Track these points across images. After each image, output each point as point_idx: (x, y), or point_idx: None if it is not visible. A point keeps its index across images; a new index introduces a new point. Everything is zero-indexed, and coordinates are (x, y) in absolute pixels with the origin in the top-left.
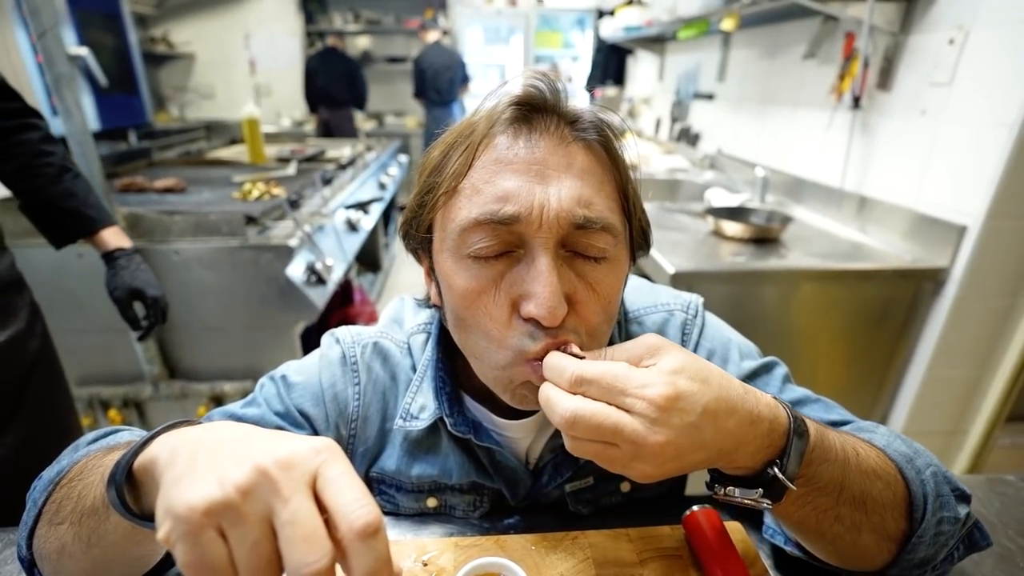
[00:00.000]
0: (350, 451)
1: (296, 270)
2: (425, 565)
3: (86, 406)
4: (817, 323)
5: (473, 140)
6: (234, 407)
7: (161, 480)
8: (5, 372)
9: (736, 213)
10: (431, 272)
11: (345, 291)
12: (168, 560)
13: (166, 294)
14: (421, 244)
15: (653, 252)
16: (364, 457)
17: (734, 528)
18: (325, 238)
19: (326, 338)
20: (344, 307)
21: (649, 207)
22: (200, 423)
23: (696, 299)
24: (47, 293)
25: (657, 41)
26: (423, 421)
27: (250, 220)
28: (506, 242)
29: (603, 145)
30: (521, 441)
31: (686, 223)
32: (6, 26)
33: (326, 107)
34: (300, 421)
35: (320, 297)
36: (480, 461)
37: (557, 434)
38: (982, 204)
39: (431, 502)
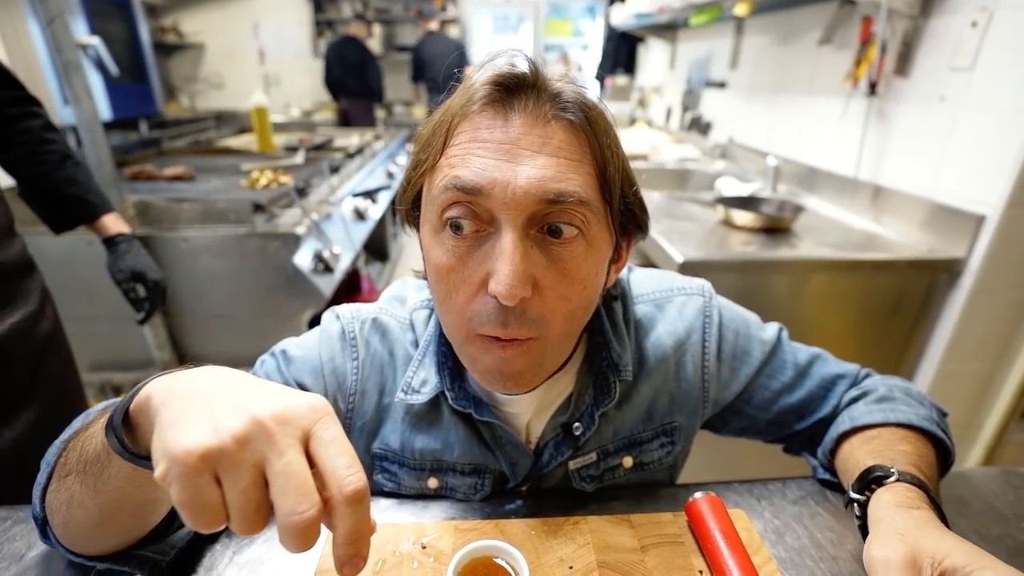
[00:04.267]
0: (348, 425)
1: (303, 258)
2: (424, 548)
3: (97, 391)
4: (829, 314)
5: (449, 119)
6: None
7: (156, 419)
8: (19, 352)
9: (747, 203)
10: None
11: (352, 280)
12: (175, 518)
13: (173, 281)
14: (411, 220)
15: (662, 241)
16: (362, 432)
17: (738, 515)
18: (332, 226)
19: (327, 315)
20: (351, 296)
21: (658, 196)
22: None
23: (706, 283)
24: (59, 280)
25: (668, 28)
26: (424, 395)
27: (258, 208)
28: (477, 217)
29: (584, 123)
30: (520, 417)
31: (696, 213)
32: (18, 15)
33: (345, 96)
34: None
35: (327, 285)
36: (481, 437)
37: (558, 412)
38: (1002, 193)
39: (432, 482)
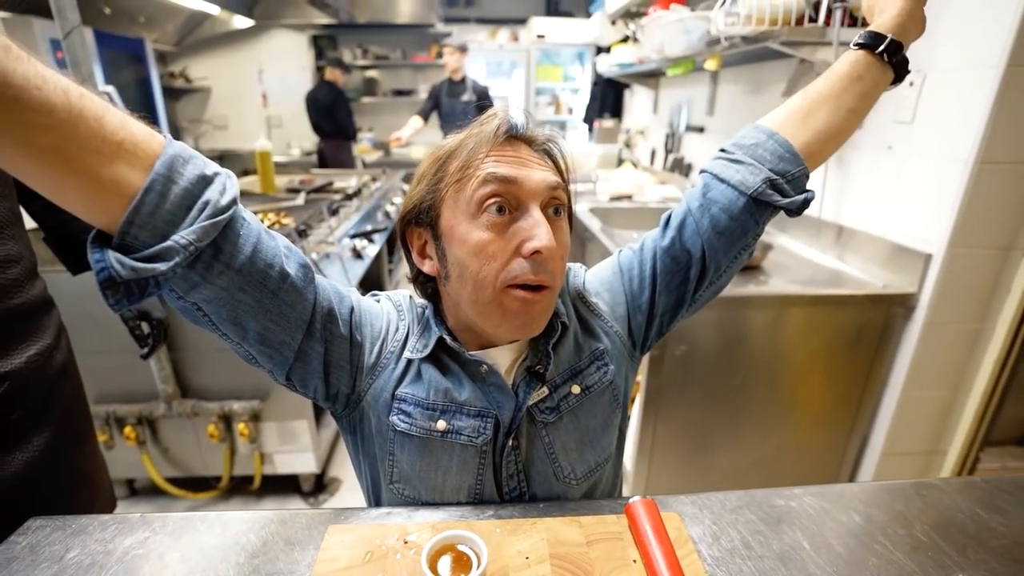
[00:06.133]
0: (383, 364)
1: None
2: (406, 543)
3: (103, 423)
4: (796, 346)
5: (480, 146)
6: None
7: None
8: (35, 382)
9: None
10: (423, 249)
11: None
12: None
13: (179, 317)
14: (422, 222)
15: None
16: (391, 375)
17: (670, 517)
18: (331, 265)
19: (378, 295)
20: None
21: (637, 236)
22: None
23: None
24: (72, 316)
25: (651, 76)
26: (426, 351)
27: None
28: (508, 203)
29: (550, 155)
30: (500, 367)
31: None
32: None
33: (321, 138)
34: (355, 321)
35: None
36: (477, 382)
37: (523, 361)
38: (944, 233)
39: (441, 424)
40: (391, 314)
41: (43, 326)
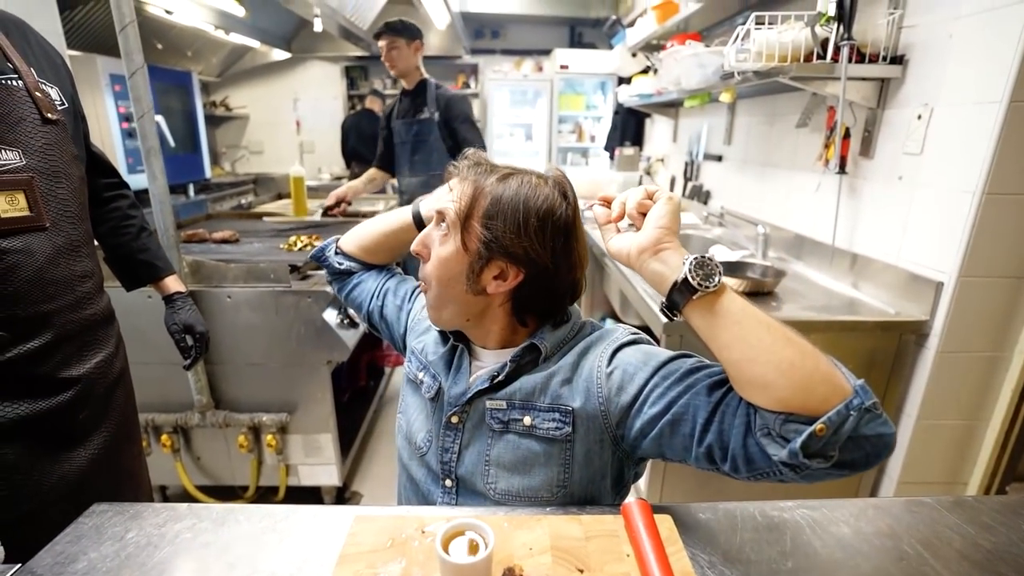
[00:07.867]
0: (411, 328)
1: (331, 314)
2: (423, 533)
3: (142, 430)
4: None
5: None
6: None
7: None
8: (98, 385)
9: (734, 268)
10: None
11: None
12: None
13: (216, 332)
14: None
15: (652, 304)
16: (414, 331)
17: (663, 519)
18: None
19: None
20: (373, 349)
21: None
22: None
23: (633, 330)
24: (122, 328)
25: (670, 106)
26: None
27: (293, 268)
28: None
29: (474, 188)
30: (484, 365)
31: None
32: (99, 96)
33: (358, 164)
34: (407, 297)
35: (351, 338)
36: (451, 359)
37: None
38: (955, 262)
39: (421, 375)
40: (419, 300)
41: (107, 336)
